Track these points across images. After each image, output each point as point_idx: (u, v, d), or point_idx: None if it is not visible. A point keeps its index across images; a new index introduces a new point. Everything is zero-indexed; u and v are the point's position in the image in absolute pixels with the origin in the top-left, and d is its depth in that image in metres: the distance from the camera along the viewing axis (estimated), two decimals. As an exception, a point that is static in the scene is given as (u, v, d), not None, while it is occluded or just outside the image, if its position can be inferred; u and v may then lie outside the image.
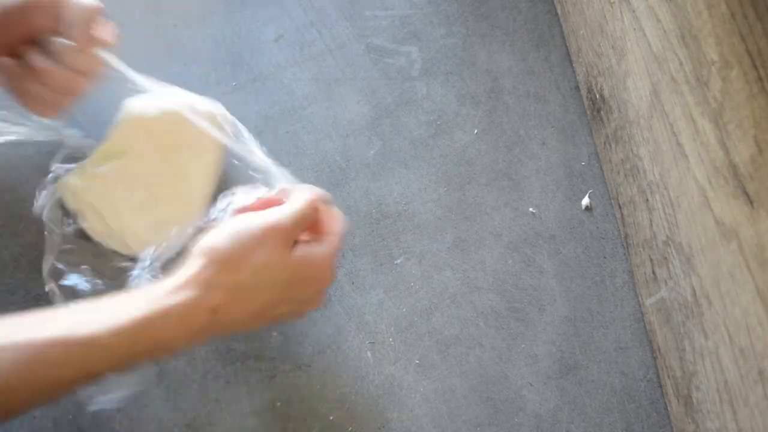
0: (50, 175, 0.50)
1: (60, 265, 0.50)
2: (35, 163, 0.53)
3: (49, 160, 0.51)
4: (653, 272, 0.52)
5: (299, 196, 0.42)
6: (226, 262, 0.38)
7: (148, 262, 0.48)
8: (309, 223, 0.43)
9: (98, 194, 0.50)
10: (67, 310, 0.38)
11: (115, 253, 0.51)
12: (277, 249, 0.40)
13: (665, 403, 0.52)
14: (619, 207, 0.57)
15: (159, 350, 0.38)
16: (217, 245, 0.39)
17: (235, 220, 0.41)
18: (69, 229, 0.51)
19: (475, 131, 0.60)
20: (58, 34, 0.44)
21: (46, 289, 0.49)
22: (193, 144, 0.52)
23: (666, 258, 0.49)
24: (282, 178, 0.48)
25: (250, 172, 0.49)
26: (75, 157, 0.52)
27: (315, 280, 0.43)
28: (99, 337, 0.35)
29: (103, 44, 0.46)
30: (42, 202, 0.50)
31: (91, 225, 0.51)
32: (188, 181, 0.52)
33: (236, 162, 0.50)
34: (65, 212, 0.51)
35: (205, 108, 0.51)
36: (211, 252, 0.38)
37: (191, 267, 0.38)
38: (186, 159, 0.52)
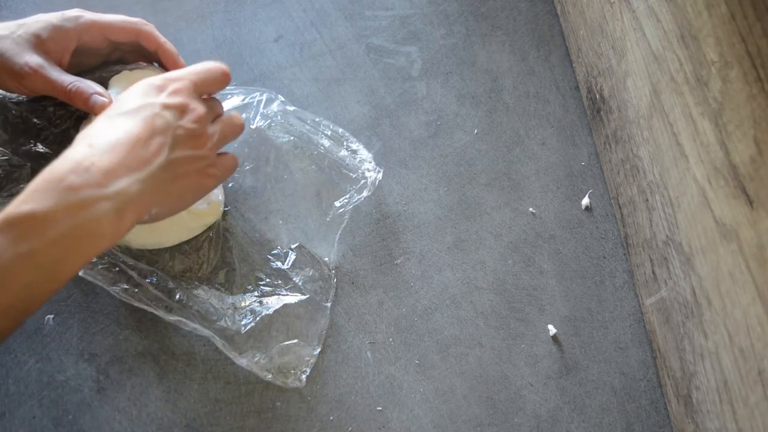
0: None
1: None
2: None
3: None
4: (653, 272, 0.52)
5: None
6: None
7: None
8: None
9: None
10: None
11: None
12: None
13: (665, 403, 0.52)
14: (619, 207, 0.57)
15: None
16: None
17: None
18: None
19: (475, 131, 0.60)
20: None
21: None
22: None
23: (666, 258, 0.49)
24: None
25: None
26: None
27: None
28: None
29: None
30: None
31: None
32: None
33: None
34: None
35: None
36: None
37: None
38: None
